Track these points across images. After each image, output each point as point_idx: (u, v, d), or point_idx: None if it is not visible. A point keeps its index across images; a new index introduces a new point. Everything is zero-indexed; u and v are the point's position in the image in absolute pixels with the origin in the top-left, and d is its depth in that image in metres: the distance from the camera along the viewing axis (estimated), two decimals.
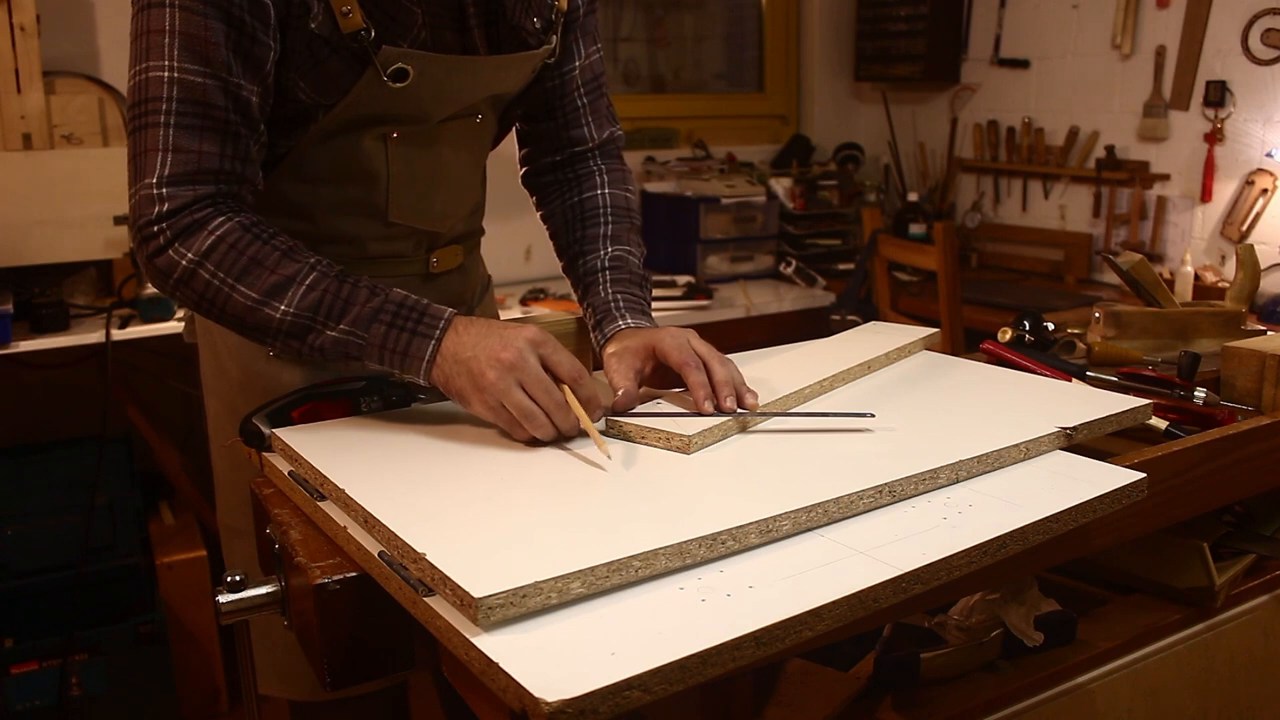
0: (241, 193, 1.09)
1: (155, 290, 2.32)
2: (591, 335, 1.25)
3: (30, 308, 2.25)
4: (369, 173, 1.18)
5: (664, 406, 1.09)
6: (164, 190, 1.04)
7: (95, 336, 2.27)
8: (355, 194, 1.19)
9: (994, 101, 3.70)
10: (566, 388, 1.01)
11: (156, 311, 2.34)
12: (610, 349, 1.18)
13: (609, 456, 0.96)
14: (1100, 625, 1.21)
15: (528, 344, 1.00)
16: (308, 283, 1.04)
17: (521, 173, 1.43)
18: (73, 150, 2.37)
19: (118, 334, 2.28)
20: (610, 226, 1.33)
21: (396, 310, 1.03)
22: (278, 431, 1.03)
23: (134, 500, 2.46)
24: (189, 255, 1.04)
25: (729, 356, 1.15)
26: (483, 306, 1.43)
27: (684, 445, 0.98)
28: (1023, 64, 3.58)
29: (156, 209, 1.04)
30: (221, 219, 1.05)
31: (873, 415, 1.06)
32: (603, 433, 1.01)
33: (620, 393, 1.09)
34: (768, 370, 1.20)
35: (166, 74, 1.02)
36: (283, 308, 1.03)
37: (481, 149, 1.32)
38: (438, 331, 1.03)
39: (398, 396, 1.14)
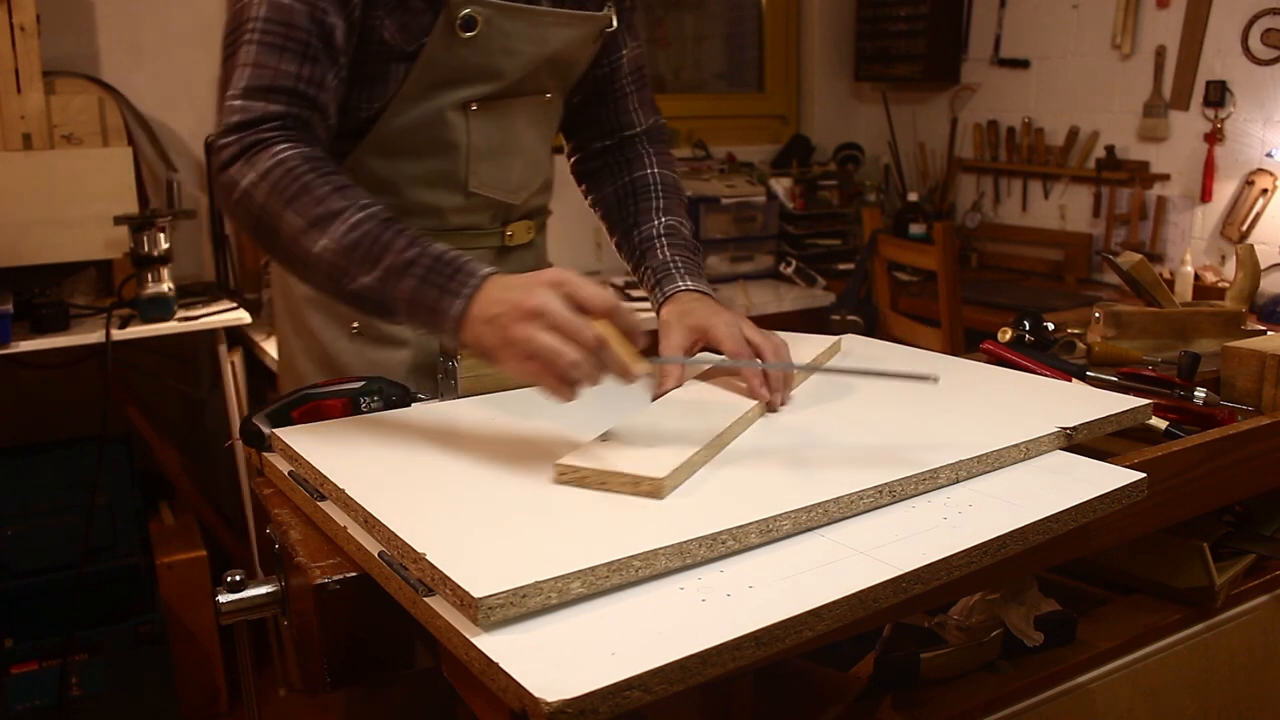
0: (312, 120, 1.10)
1: (155, 290, 2.33)
2: (650, 296, 1.30)
3: (30, 308, 2.25)
4: (449, 143, 1.24)
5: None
6: (239, 102, 1.07)
7: (95, 336, 2.27)
8: (437, 165, 1.25)
9: (994, 101, 3.70)
10: (603, 322, 0.91)
11: (156, 311, 2.34)
12: (668, 311, 1.22)
13: (652, 377, 0.94)
14: (1100, 625, 1.21)
15: (547, 287, 0.91)
16: (351, 221, 1.00)
17: (571, 161, 1.49)
18: (73, 150, 2.37)
19: (118, 334, 2.28)
20: (661, 200, 1.39)
21: (431, 264, 0.97)
22: (278, 431, 1.03)
23: (134, 500, 2.46)
24: (250, 175, 1.04)
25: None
26: None
27: (655, 490, 0.86)
28: (1023, 64, 3.58)
29: (229, 120, 1.07)
30: (287, 145, 1.05)
31: (938, 379, 1.00)
32: (555, 480, 0.89)
33: (671, 381, 1.12)
34: (702, 400, 1.09)
35: None
36: (322, 241, 1.00)
37: (550, 127, 1.38)
38: (467, 289, 0.95)
39: (398, 396, 1.14)
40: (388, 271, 0.98)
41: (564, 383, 0.90)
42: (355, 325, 1.31)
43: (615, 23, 1.34)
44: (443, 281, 0.96)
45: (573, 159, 1.49)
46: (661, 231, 1.34)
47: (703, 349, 1.16)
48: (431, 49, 1.17)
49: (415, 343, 1.30)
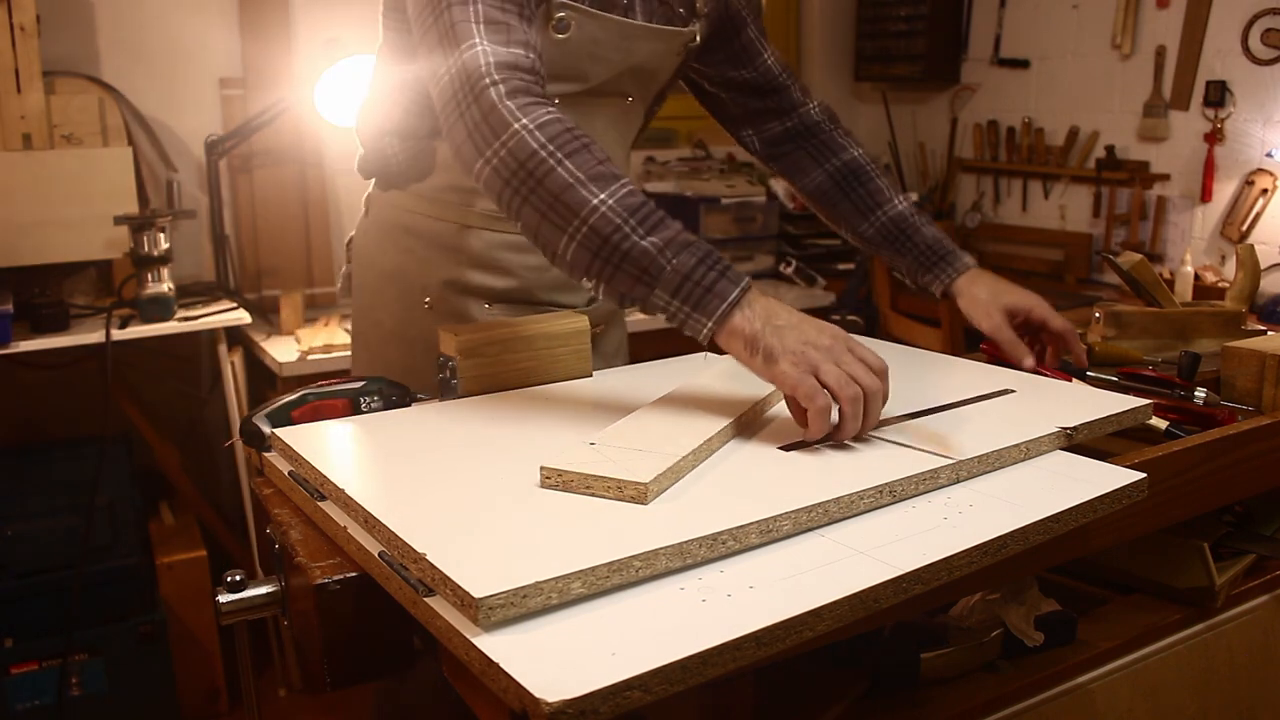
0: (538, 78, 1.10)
1: (155, 290, 2.33)
2: (923, 277, 1.42)
3: (30, 308, 2.25)
4: None
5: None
6: (489, 46, 1.06)
7: (95, 336, 2.27)
8: None
9: (994, 101, 3.70)
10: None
11: (156, 311, 2.34)
12: (974, 288, 1.38)
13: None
14: (1100, 625, 1.21)
15: (843, 334, 1.01)
16: (630, 188, 1.02)
17: (757, 147, 1.54)
18: (73, 150, 2.37)
19: (118, 334, 2.28)
20: (885, 180, 1.47)
21: (707, 252, 1.00)
22: (278, 431, 1.03)
23: (134, 500, 2.46)
24: (523, 120, 1.02)
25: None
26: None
27: (639, 495, 0.85)
28: (1023, 64, 3.58)
29: (489, 60, 1.05)
30: (554, 109, 1.05)
31: (1014, 391, 1.15)
32: (541, 484, 0.89)
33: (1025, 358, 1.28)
34: (695, 404, 1.07)
35: None
36: (601, 195, 1.00)
37: (629, 130, 1.41)
38: (745, 282, 1.00)
39: (397, 396, 1.14)
40: (667, 242, 0.99)
41: (820, 419, 0.96)
42: (427, 301, 1.36)
43: (698, 38, 1.36)
44: (720, 269, 1.00)
45: (757, 145, 1.53)
46: (911, 211, 1.43)
47: (1018, 323, 1.33)
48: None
49: (482, 319, 1.34)
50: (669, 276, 0.99)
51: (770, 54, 1.49)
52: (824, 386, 0.95)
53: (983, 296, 1.35)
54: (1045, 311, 1.34)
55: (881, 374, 0.98)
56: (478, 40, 1.06)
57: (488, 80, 1.04)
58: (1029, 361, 1.30)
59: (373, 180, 1.44)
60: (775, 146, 1.53)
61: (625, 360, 1.56)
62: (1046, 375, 1.30)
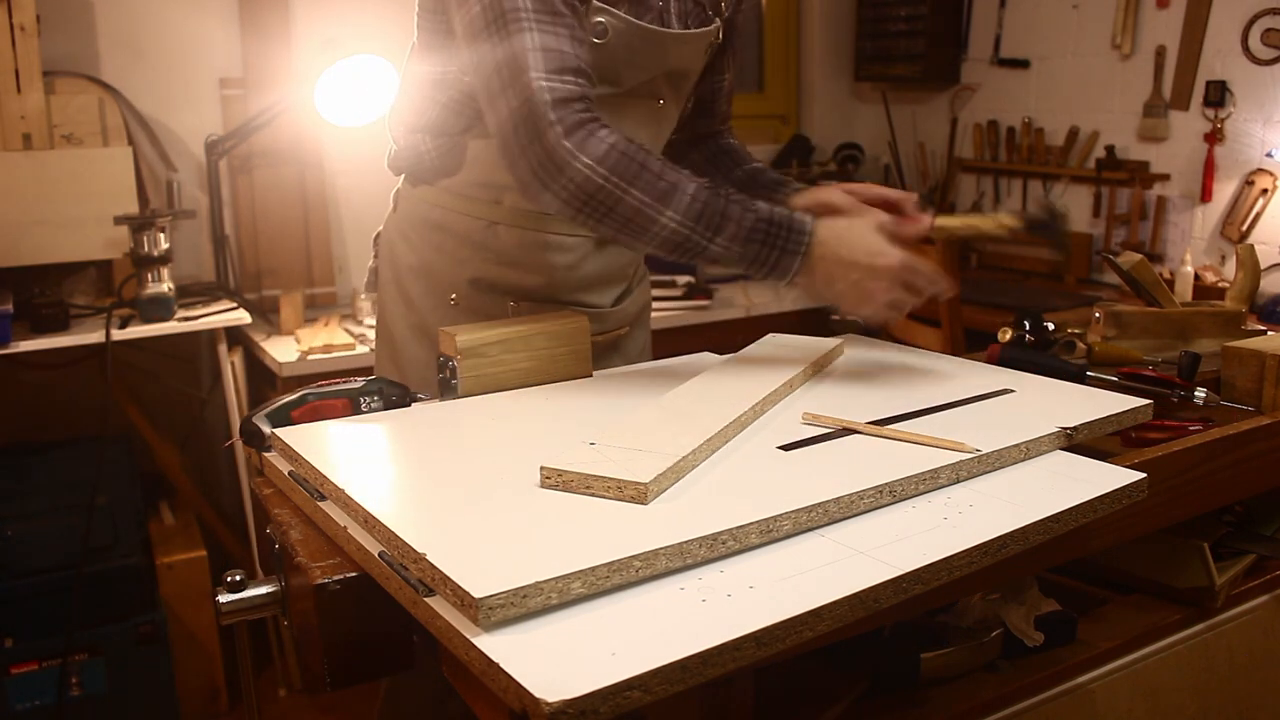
0: (593, 96, 1.16)
1: (155, 290, 2.33)
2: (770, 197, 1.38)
3: (30, 308, 2.25)
4: None
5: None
6: (546, 82, 1.11)
7: (95, 336, 2.26)
8: None
9: (994, 101, 3.70)
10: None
11: (156, 311, 2.34)
12: (795, 201, 1.35)
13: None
14: (1100, 625, 1.21)
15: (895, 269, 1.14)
16: (690, 193, 1.13)
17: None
18: (73, 150, 2.37)
19: (118, 334, 2.28)
20: (748, 154, 1.55)
21: (768, 228, 1.14)
22: (278, 431, 1.03)
23: (134, 500, 2.46)
24: (583, 159, 1.11)
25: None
26: (641, 288, 1.52)
27: (639, 495, 0.86)
28: (1023, 64, 3.58)
29: (544, 98, 1.11)
30: (607, 130, 1.13)
31: (1014, 391, 1.17)
32: (541, 484, 0.90)
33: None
34: (695, 404, 1.08)
35: None
36: (669, 212, 1.12)
37: (661, 131, 1.42)
38: (804, 247, 1.14)
39: (397, 396, 1.14)
40: (731, 239, 1.14)
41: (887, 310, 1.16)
42: (454, 297, 1.37)
43: (721, 37, 1.38)
44: (781, 241, 1.14)
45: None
46: (763, 169, 1.49)
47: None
48: None
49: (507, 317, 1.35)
50: (740, 262, 1.16)
51: (729, 75, 1.53)
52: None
53: (800, 203, 1.32)
54: (837, 200, 1.29)
55: (933, 283, 1.17)
56: (540, 74, 1.11)
57: (547, 120, 1.11)
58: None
59: (402, 176, 1.45)
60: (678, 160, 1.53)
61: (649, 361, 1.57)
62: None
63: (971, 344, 2.78)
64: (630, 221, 1.13)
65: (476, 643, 0.67)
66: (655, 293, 3.01)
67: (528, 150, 1.12)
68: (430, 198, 1.39)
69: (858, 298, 1.14)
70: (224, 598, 0.89)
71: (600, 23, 1.22)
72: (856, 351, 1.36)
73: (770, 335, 1.38)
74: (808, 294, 1.19)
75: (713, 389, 1.12)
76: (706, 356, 1.35)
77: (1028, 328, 1.57)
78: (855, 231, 1.16)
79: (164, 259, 2.34)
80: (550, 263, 1.37)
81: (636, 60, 1.28)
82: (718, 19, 1.37)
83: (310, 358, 2.44)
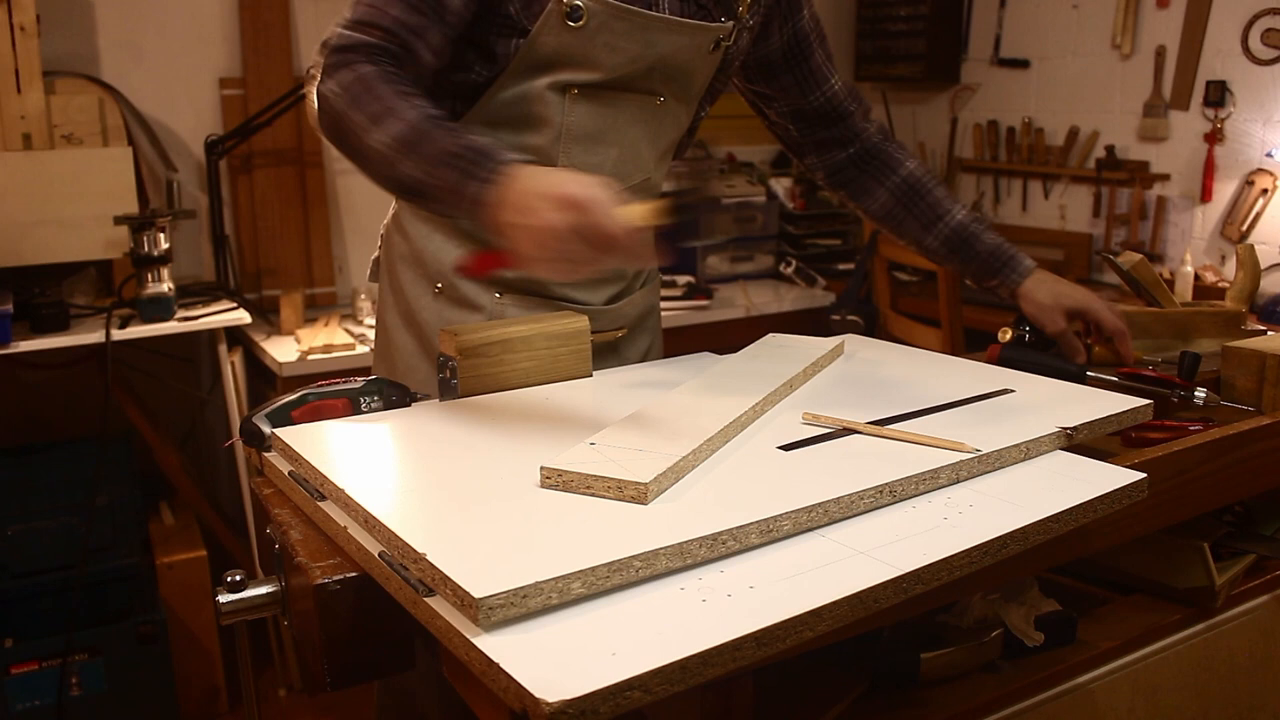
0: (401, 59, 1.18)
1: (155, 290, 2.33)
2: (988, 281, 1.51)
3: (30, 308, 2.25)
4: (545, 121, 1.28)
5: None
6: (341, 30, 1.18)
7: (95, 336, 2.27)
8: (532, 141, 1.29)
9: (994, 101, 3.70)
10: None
11: (156, 311, 2.34)
12: (1038, 292, 1.46)
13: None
14: (1100, 625, 1.21)
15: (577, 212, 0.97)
16: (405, 118, 1.09)
17: (823, 178, 1.59)
18: (73, 150, 2.37)
19: (118, 334, 2.28)
20: (943, 189, 1.54)
21: (465, 152, 1.05)
22: (278, 431, 1.03)
23: (134, 500, 2.46)
24: (330, 84, 1.15)
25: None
26: (644, 291, 1.50)
27: (639, 495, 0.85)
28: (1023, 64, 3.58)
29: (330, 42, 1.17)
30: (368, 66, 1.15)
31: (1014, 391, 1.17)
32: (541, 484, 0.89)
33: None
34: (694, 404, 1.07)
35: None
36: (378, 134, 1.10)
37: (661, 131, 1.39)
38: (495, 175, 1.02)
39: (397, 396, 1.14)
40: (429, 161, 1.07)
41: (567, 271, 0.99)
42: (439, 286, 1.37)
43: (734, 38, 1.36)
44: (473, 169, 1.04)
45: (822, 174, 1.59)
46: (970, 219, 1.50)
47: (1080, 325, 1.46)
48: (539, 30, 1.23)
49: (490, 308, 1.35)
50: (444, 194, 1.07)
51: (837, 79, 1.52)
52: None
53: (1046, 301, 1.45)
54: (1101, 313, 1.43)
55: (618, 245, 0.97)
56: (342, 21, 1.18)
57: (321, 58, 1.17)
58: (1081, 358, 1.42)
59: None
60: (839, 174, 1.57)
61: None
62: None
63: (971, 344, 2.79)
64: (351, 146, 1.13)
65: (476, 643, 0.67)
66: None
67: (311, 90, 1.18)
68: None
69: (536, 241, 0.97)
70: (224, 598, 0.89)
71: (577, 6, 1.21)
72: (856, 351, 1.36)
73: (770, 335, 1.38)
74: (498, 239, 1.02)
75: (713, 389, 1.12)
76: (706, 356, 1.35)
77: (1028, 328, 1.57)
78: (562, 172, 1.06)
79: (164, 259, 2.34)
80: None
81: (618, 44, 1.26)
82: (730, 21, 1.34)
83: (310, 358, 2.44)
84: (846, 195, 1.59)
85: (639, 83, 1.32)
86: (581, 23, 1.22)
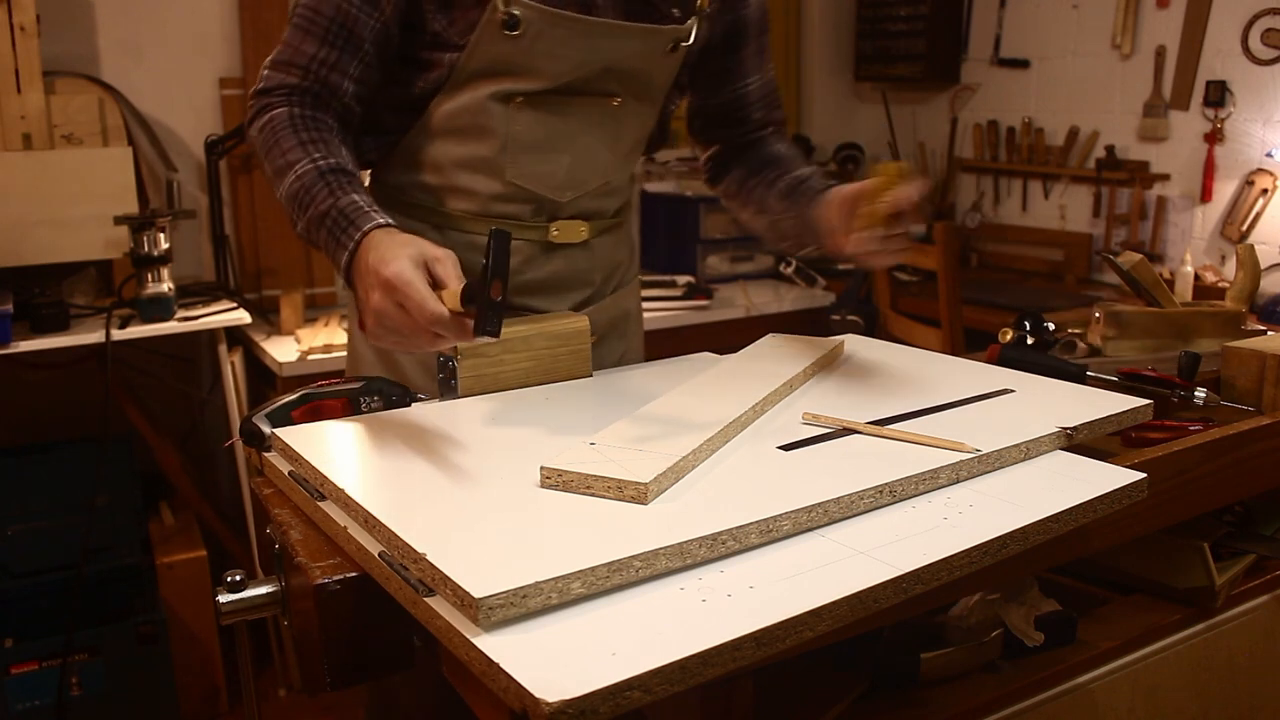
0: (323, 95, 1.23)
1: (155, 290, 2.33)
2: (802, 207, 1.32)
3: (30, 308, 2.25)
4: (490, 131, 1.27)
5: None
6: (265, 72, 1.24)
7: (95, 336, 2.27)
8: (477, 151, 1.28)
9: (994, 101, 3.70)
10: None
11: (156, 311, 2.34)
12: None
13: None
14: (1100, 625, 1.21)
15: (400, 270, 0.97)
16: (298, 172, 1.15)
17: (707, 174, 1.54)
18: (73, 150, 2.37)
19: (118, 334, 2.28)
20: (803, 162, 1.43)
21: (336, 217, 1.11)
22: (278, 431, 1.03)
23: (134, 500, 2.46)
24: (252, 131, 1.23)
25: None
26: (616, 296, 1.46)
27: (639, 495, 0.85)
28: (1023, 64, 3.58)
29: (256, 86, 1.24)
30: (283, 108, 1.20)
31: (1014, 391, 1.16)
32: (540, 484, 0.89)
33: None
34: (695, 404, 1.07)
35: None
36: (279, 188, 1.17)
37: (620, 132, 1.35)
38: (352, 243, 1.08)
39: (397, 396, 1.14)
40: (310, 223, 1.13)
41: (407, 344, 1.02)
42: None
43: (693, 39, 1.31)
44: (340, 235, 1.10)
45: (708, 172, 1.53)
46: (805, 178, 1.37)
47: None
48: (477, 41, 1.21)
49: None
50: (326, 253, 1.14)
51: (756, 80, 1.45)
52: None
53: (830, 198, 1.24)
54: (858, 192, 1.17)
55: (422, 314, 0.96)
56: (266, 63, 1.24)
57: (249, 104, 1.25)
58: (842, 237, 1.17)
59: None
60: (719, 174, 1.51)
61: None
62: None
63: (971, 344, 2.79)
64: (274, 193, 1.19)
65: (476, 643, 0.67)
66: (656, 292, 3.03)
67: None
68: (381, 196, 1.37)
69: (368, 316, 1.01)
70: (224, 598, 0.89)
71: (513, 15, 1.19)
72: (856, 351, 1.36)
73: (770, 335, 1.38)
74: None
75: (713, 389, 1.12)
76: (706, 356, 1.35)
77: (1028, 328, 1.57)
78: (398, 241, 1.03)
79: (164, 259, 2.34)
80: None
81: (559, 52, 1.23)
82: (689, 17, 1.30)
83: (310, 358, 2.44)
84: (721, 189, 1.52)
85: (591, 85, 1.29)
86: (519, 32, 1.20)
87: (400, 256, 0.98)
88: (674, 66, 1.35)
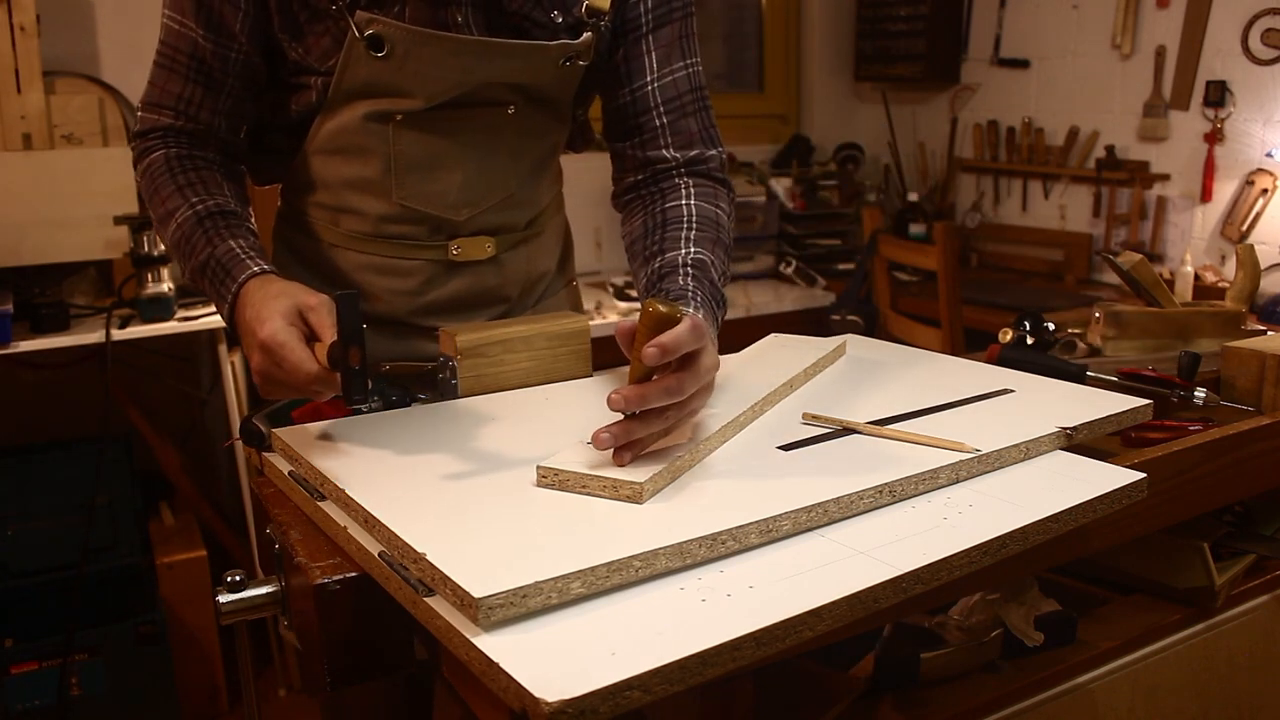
0: (199, 133, 1.23)
1: (155, 290, 2.33)
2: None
3: (30, 308, 2.25)
4: (373, 152, 1.21)
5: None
6: (139, 113, 1.25)
7: (95, 336, 2.27)
8: (364, 172, 1.23)
9: (994, 101, 3.70)
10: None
11: (156, 311, 2.34)
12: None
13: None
14: (1100, 625, 1.21)
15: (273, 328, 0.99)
16: (178, 220, 1.16)
17: (611, 197, 1.37)
18: (73, 150, 2.37)
19: (118, 334, 2.28)
20: (695, 231, 1.21)
21: (215, 268, 1.12)
22: (278, 431, 1.03)
23: (134, 500, 2.46)
24: (136, 175, 1.24)
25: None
26: (543, 305, 1.40)
27: (634, 495, 0.85)
28: (1023, 64, 3.58)
29: (133, 128, 1.26)
30: (159, 151, 1.21)
31: (1014, 391, 1.15)
32: (537, 483, 0.88)
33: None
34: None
35: (164, 19, 1.24)
36: (164, 236, 1.19)
37: (519, 142, 1.26)
38: (230, 295, 1.09)
39: (397, 396, 1.14)
40: (192, 273, 1.15)
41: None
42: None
43: (589, 55, 1.22)
44: (219, 286, 1.12)
45: (612, 194, 1.36)
46: (689, 261, 1.16)
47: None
48: (344, 63, 1.15)
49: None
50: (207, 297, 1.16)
51: (655, 80, 1.26)
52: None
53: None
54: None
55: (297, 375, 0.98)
56: (138, 104, 1.25)
57: (130, 146, 1.27)
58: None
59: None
60: (620, 197, 1.34)
61: None
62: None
63: (971, 344, 2.79)
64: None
65: (476, 643, 0.67)
66: None
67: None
68: (281, 213, 1.35)
69: (253, 368, 1.02)
70: (224, 598, 0.89)
71: (373, 35, 1.12)
72: (857, 351, 1.36)
73: (770, 335, 1.38)
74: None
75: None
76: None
77: (1028, 328, 1.57)
78: (271, 293, 1.03)
79: (164, 259, 2.34)
80: (386, 288, 1.27)
81: (431, 72, 1.16)
82: (582, 34, 1.20)
83: None
84: (622, 223, 1.34)
85: (480, 95, 1.20)
86: (385, 52, 1.13)
87: (274, 315, 1.00)
88: (573, 77, 1.24)
